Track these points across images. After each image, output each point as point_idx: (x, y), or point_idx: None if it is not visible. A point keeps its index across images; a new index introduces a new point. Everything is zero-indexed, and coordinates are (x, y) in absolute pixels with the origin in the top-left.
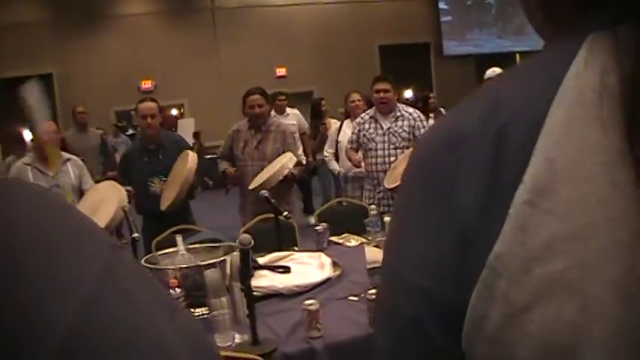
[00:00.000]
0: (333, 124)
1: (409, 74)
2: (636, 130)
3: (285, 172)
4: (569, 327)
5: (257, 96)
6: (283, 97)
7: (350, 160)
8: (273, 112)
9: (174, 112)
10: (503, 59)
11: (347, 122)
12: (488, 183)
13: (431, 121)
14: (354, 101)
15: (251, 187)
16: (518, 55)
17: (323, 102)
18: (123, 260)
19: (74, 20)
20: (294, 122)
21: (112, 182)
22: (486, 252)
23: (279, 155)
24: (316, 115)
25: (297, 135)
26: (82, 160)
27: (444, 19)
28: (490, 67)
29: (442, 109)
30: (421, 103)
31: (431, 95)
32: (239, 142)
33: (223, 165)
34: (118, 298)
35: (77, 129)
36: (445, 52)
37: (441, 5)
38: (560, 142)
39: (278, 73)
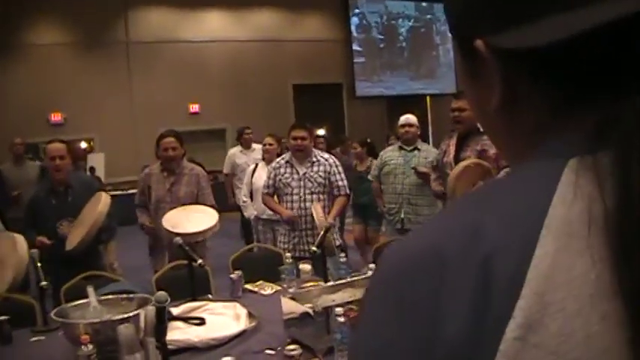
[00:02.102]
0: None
1: (322, 114)
2: (623, 262)
3: (200, 239)
4: None
5: (171, 138)
6: (250, 132)
7: (276, 212)
8: (239, 147)
9: (83, 145)
10: (414, 101)
11: (261, 165)
12: (476, 316)
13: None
14: (265, 145)
15: (166, 225)
16: (428, 98)
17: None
18: None
19: None
20: (260, 157)
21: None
22: None
23: (192, 198)
24: None
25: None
26: (19, 193)
27: (356, 60)
28: (401, 108)
29: None
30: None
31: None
32: (151, 184)
33: (143, 218)
34: None
35: (14, 161)
36: (357, 93)
37: (355, 47)
38: (550, 274)
39: (191, 110)
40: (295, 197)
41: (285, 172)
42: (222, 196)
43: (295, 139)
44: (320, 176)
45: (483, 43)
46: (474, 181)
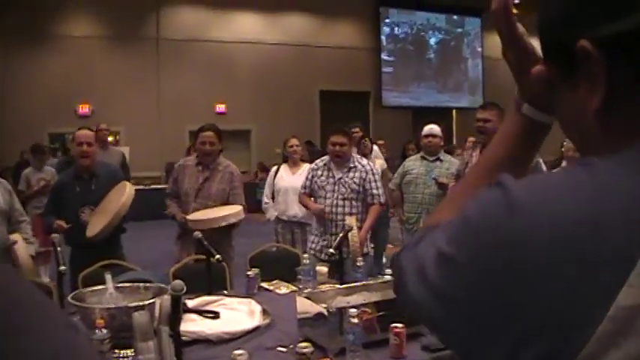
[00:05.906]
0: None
1: (347, 121)
2: None
3: (223, 224)
4: None
5: (210, 133)
6: (357, 130)
7: (308, 208)
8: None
9: (109, 139)
10: (440, 113)
11: (284, 167)
12: (589, 279)
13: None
14: (292, 146)
15: (188, 217)
16: (454, 111)
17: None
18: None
19: (15, 36)
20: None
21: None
22: (576, 347)
23: (224, 196)
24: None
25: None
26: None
27: (385, 69)
28: (427, 119)
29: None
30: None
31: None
32: (184, 177)
33: (173, 208)
34: None
35: (99, 146)
36: (384, 102)
37: (384, 56)
38: None
39: (218, 109)
40: (328, 201)
41: (321, 175)
42: (251, 197)
43: (334, 145)
44: (354, 182)
45: (589, 41)
46: None
